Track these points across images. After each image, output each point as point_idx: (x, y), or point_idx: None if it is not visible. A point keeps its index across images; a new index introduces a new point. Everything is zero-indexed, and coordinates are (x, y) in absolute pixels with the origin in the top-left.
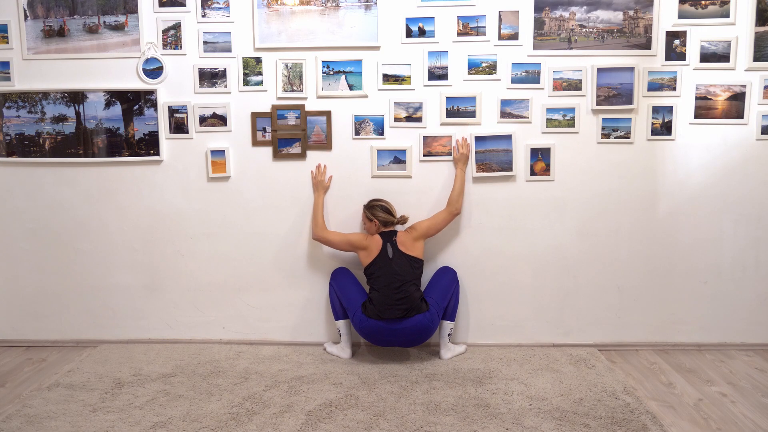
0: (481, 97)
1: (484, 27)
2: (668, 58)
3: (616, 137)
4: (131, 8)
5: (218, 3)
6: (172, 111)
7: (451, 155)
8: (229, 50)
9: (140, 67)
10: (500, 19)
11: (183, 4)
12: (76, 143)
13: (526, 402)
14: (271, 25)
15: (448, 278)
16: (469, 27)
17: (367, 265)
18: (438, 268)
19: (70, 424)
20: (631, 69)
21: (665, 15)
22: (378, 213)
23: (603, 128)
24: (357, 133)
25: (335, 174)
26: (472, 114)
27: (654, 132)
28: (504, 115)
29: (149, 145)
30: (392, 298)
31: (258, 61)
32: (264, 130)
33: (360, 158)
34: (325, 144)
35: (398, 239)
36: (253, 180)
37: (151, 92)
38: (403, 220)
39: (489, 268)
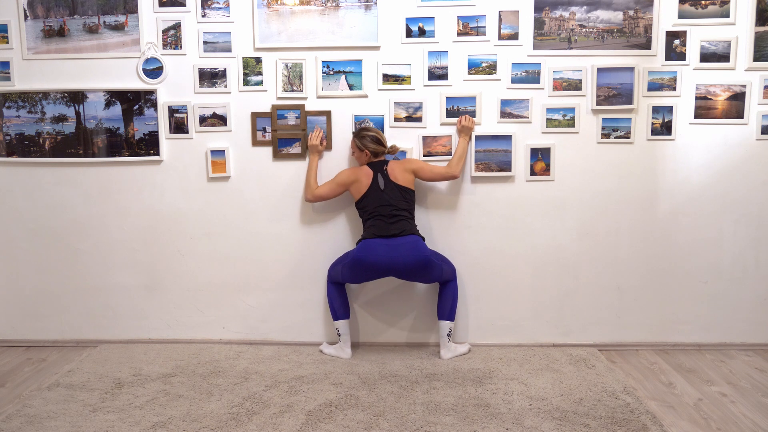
0: (481, 97)
1: (484, 27)
2: (668, 58)
3: (616, 137)
4: (131, 8)
5: (218, 3)
6: (172, 111)
7: (451, 155)
8: (229, 50)
9: (140, 67)
10: (500, 19)
11: (183, 4)
12: (76, 143)
13: (526, 402)
14: (271, 25)
15: (449, 265)
16: (469, 27)
17: (359, 198)
18: None
19: (70, 424)
20: (631, 69)
21: (665, 15)
22: (368, 144)
23: (603, 128)
24: None
25: (335, 174)
26: (472, 114)
27: (654, 132)
28: (504, 115)
29: (149, 145)
30: (387, 222)
31: (258, 61)
32: (264, 130)
33: None
34: (325, 144)
35: (389, 168)
36: (253, 180)
37: (151, 92)
38: (393, 150)
39: (489, 267)
